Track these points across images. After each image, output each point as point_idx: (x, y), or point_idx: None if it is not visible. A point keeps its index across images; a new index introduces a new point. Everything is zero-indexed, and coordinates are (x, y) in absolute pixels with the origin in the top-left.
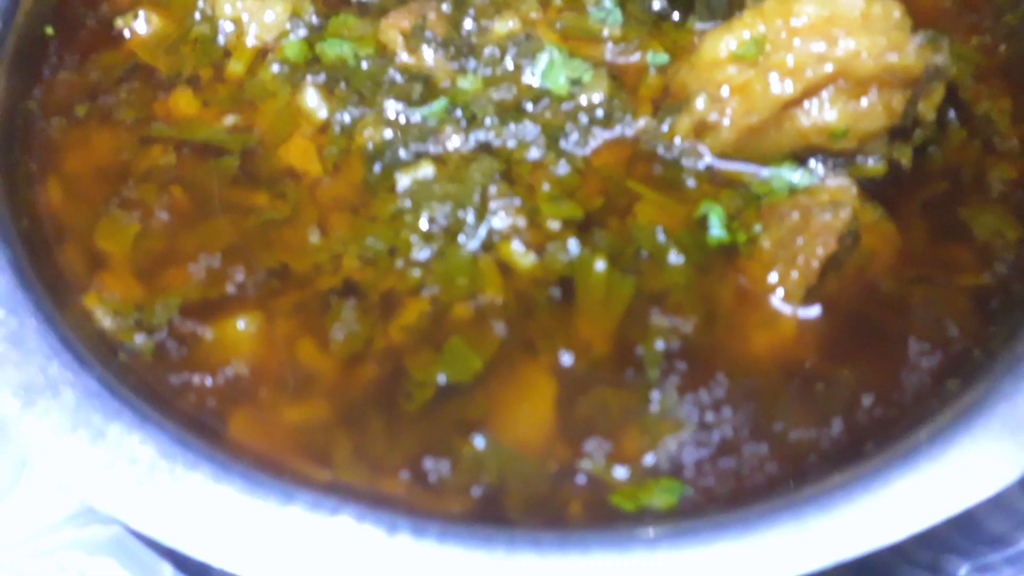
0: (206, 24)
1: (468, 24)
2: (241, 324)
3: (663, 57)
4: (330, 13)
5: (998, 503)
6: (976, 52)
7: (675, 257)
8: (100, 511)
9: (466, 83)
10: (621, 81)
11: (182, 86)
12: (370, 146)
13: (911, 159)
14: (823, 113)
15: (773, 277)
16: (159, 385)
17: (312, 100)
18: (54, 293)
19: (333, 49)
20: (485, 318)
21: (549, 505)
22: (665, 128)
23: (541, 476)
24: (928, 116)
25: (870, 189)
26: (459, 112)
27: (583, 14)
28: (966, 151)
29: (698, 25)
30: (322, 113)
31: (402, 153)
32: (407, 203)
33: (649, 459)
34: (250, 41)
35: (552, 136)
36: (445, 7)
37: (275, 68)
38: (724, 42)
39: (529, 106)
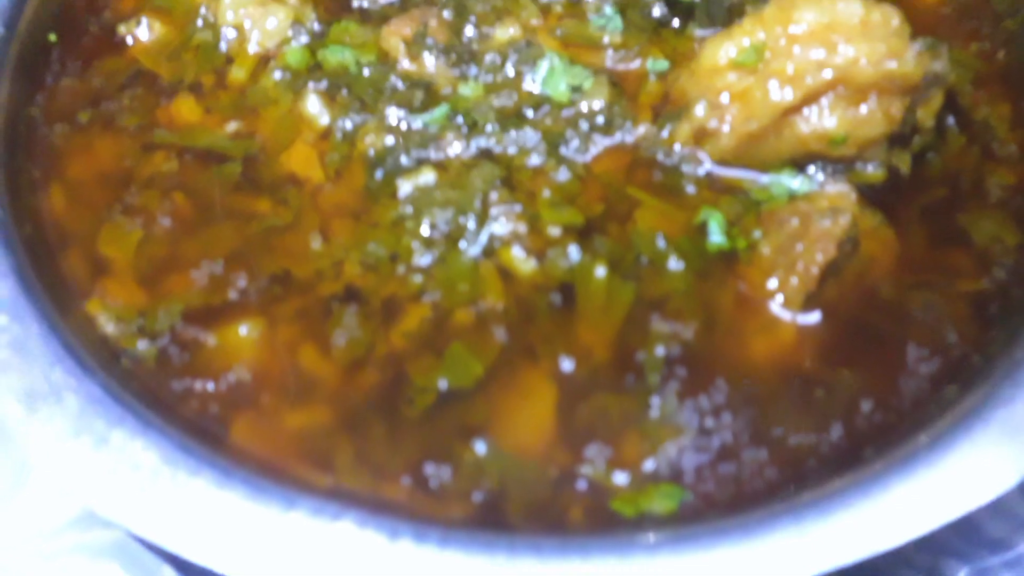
0: (208, 31)
1: (469, 31)
2: (243, 330)
3: (663, 64)
4: (332, 20)
5: (997, 507)
6: (975, 58)
7: (675, 263)
8: (103, 517)
9: (467, 90)
10: (621, 88)
11: (184, 93)
12: (371, 153)
13: (910, 165)
14: (822, 120)
15: (773, 283)
16: (161, 391)
17: (314, 107)
18: (57, 299)
19: (335, 56)
20: (486, 324)
21: (550, 510)
22: (665, 135)
23: (542, 482)
24: (927, 122)
25: (869, 195)
26: (460, 119)
27: (583, 21)
28: (965, 157)
29: (698, 32)
30: (324, 120)
31: (403, 159)
32: (408, 209)
33: (649, 464)
34: (252, 48)
35: (553, 143)
36: (446, 14)
37: (277, 75)
38: (724, 49)
39: (530, 113)
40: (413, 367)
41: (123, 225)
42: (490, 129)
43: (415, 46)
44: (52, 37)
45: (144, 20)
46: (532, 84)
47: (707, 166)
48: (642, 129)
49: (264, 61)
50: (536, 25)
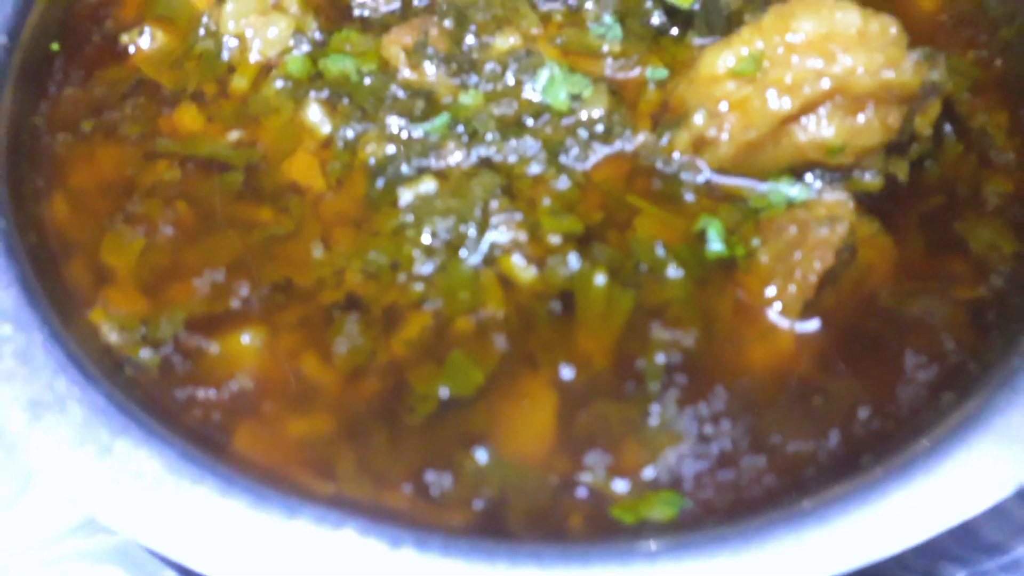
0: (210, 40)
1: (469, 40)
2: (246, 338)
3: (662, 72)
4: (333, 29)
5: (994, 511)
6: (972, 66)
7: (674, 271)
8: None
9: (467, 99)
10: (621, 96)
11: (186, 102)
12: (372, 161)
13: (908, 173)
14: (820, 129)
15: (771, 291)
16: (165, 399)
17: (315, 116)
18: (60, 308)
19: (336, 65)
20: (486, 332)
21: (550, 518)
22: (664, 143)
23: (542, 489)
24: (924, 131)
25: (867, 203)
26: (461, 127)
27: (583, 30)
28: (962, 165)
29: (697, 41)
30: (325, 128)
31: (404, 168)
32: (409, 218)
33: (649, 472)
34: (254, 57)
35: (552, 151)
36: (447, 23)
37: (278, 84)
38: (722, 58)
39: (530, 121)
40: (414, 375)
41: (125, 234)
42: (490, 138)
43: (416, 55)
44: (55, 46)
45: (146, 29)
46: (532, 93)
47: (706, 174)
48: (641, 137)
49: (266, 70)
50: (536, 34)
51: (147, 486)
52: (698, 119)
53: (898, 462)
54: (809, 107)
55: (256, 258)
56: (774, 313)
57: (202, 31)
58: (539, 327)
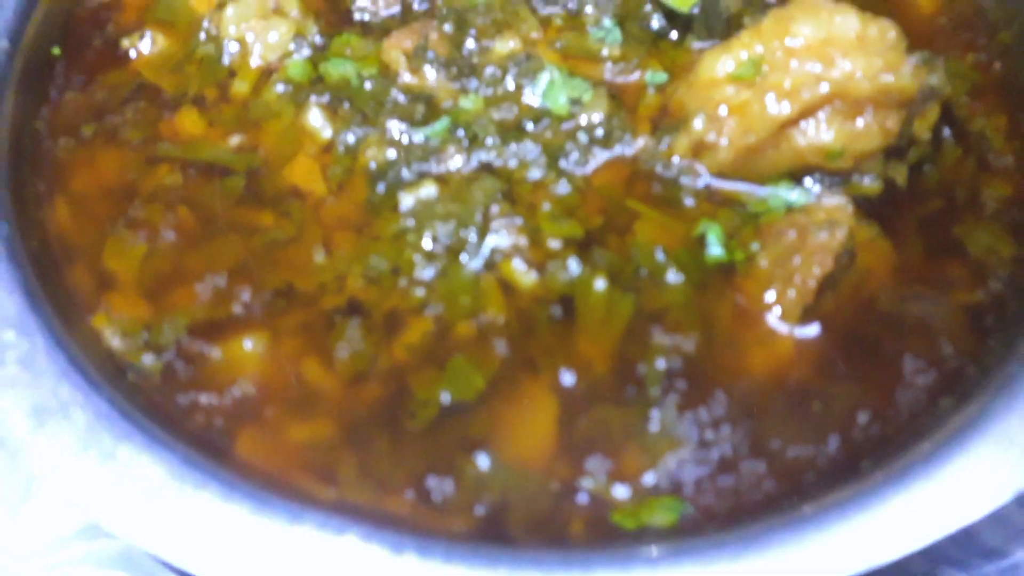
0: (211, 44)
1: (470, 44)
2: (248, 344)
3: (662, 76)
4: (333, 33)
5: (993, 516)
6: (971, 70)
7: (674, 275)
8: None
9: (468, 103)
10: (620, 100)
11: (187, 106)
12: (373, 166)
13: (906, 177)
14: (819, 133)
15: (770, 296)
16: (167, 405)
17: (316, 120)
18: (63, 314)
19: (336, 69)
20: (487, 337)
21: (551, 524)
22: (664, 147)
23: (543, 495)
24: (923, 135)
25: (866, 207)
26: (461, 132)
27: (583, 34)
28: (961, 169)
29: (696, 45)
30: (326, 133)
31: (405, 173)
32: (410, 222)
33: (649, 477)
34: (254, 61)
35: (552, 155)
36: (447, 27)
37: (279, 88)
38: (722, 63)
39: (530, 126)
40: (415, 380)
41: (127, 239)
42: (491, 142)
43: (416, 59)
44: (56, 51)
45: (147, 33)
46: (532, 97)
47: (705, 179)
48: (641, 142)
49: (266, 74)
50: (536, 38)
51: (150, 491)
52: (697, 123)
53: (897, 468)
54: (808, 111)
55: (258, 263)
56: (773, 318)
57: (203, 35)
58: (540, 332)
